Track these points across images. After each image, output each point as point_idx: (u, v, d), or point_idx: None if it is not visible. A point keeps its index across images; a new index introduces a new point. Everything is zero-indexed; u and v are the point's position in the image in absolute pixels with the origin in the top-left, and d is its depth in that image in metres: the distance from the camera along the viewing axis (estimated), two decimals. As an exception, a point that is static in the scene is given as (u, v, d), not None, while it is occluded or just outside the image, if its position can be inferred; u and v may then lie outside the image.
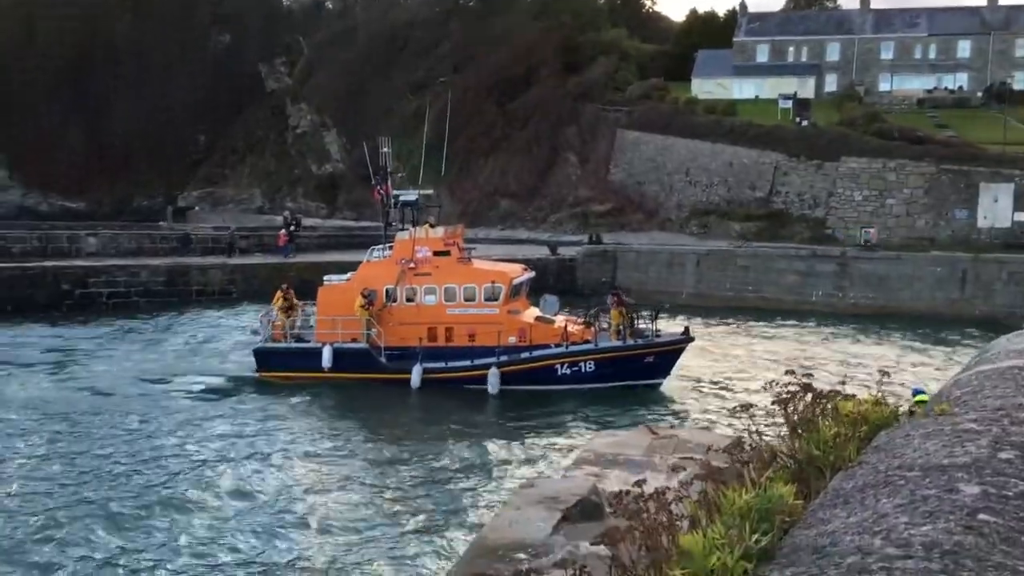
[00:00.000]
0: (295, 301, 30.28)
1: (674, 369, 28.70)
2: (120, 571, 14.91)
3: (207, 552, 15.64)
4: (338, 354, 28.50)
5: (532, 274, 31.32)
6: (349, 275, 30.54)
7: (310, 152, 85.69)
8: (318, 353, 28.56)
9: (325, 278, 31.12)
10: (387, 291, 29.18)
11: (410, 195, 31.27)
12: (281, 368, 29.12)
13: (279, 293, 30.18)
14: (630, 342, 28.06)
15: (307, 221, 63.35)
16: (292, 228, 53.68)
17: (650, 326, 28.63)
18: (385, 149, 31.94)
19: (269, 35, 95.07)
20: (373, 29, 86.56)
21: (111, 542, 15.98)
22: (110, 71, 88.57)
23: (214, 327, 38.17)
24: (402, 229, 30.39)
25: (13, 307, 38.58)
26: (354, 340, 28.72)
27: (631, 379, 27.53)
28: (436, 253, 29.26)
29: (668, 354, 28.32)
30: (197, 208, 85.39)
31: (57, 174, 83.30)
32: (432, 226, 30.37)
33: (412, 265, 29.08)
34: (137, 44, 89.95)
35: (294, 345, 29.65)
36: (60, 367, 30.48)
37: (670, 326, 31.61)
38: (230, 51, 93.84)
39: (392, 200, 31.16)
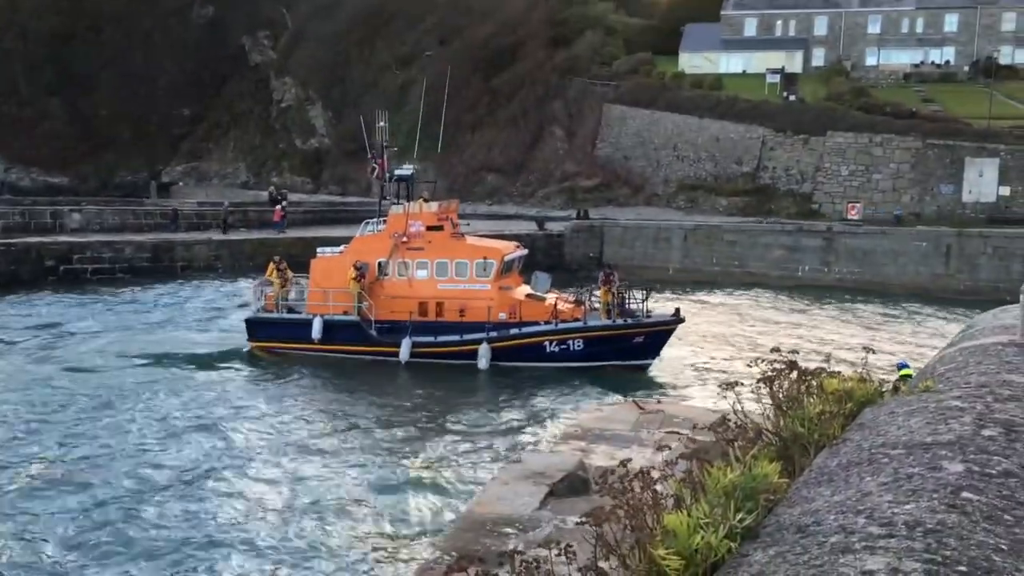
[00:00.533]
0: (289, 273, 30.27)
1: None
2: (95, 539, 14.92)
3: (176, 526, 15.65)
4: (328, 326, 28.58)
5: (525, 251, 31.24)
6: (343, 247, 30.53)
7: (295, 126, 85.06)
8: (309, 324, 28.66)
9: (318, 250, 31.17)
10: (380, 264, 29.22)
11: (405, 170, 31.24)
12: (271, 339, 29.28)
13: (272, 264, 30.25)
14: (619, 321, 27.85)
15: (292, 196, 62.97)
16: (280, 202, 53.58)
17: (641, 306, 28.38)
18: (381, 123, 31.75)
19: (252, 8, 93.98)
20: (357, 2, 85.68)
21: (91, 511, 15.98)
22: (93, 45, 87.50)
23: (201, 299, 38.12)
24: (396, 203, 30.33)
25: (-3, 283, 38.36)
26: (346, 313, 28.74)
27: (620, 359, 27.47)
28: (429, 228, 29.24)
29: (658, 335, 28.14)
30: (181, 183, 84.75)
31: (40, 149, 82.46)
32: (426, 200, 30.30)
33: (405, 239, 29.08)
34: (120, 18, 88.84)
35: (285, 316, 29.71)
36: (47, 340, 30.31)
37: (661, 305, 31.46)
38: (213, 24, 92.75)
39: (388, 175, 31.11)
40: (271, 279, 29.97)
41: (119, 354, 28.74)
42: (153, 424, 21.62)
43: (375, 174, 31.79)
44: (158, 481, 17.78)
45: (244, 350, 29.49)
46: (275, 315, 29.66)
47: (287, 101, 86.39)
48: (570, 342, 27.68)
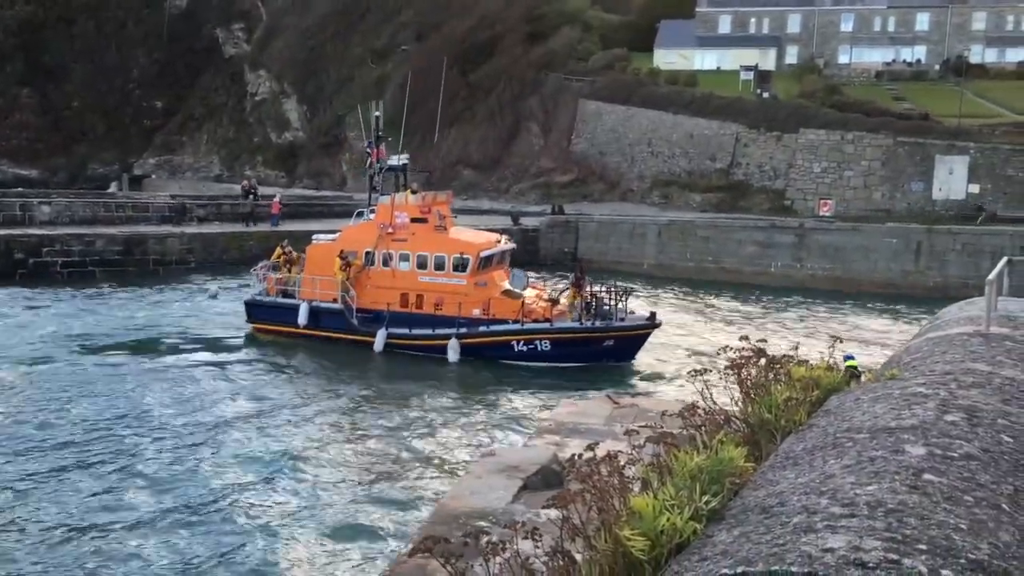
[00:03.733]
0: (295, 258, 31.29)
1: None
2: (77, 529, 14.80)
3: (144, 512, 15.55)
4: (314, 312, 29.64)
5: (510, 246, 31.07)
6: (336, 236, 31.30)
7: (269, 120, 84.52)
8: (297, 309, 29.68)
9: (314, 237, 32.09)
10: (366, 254, 29.72)
11: (397, 160, 31.55)
12: (264, 321, 30.58)
13: (279, 250, 31.49)
14: (589, 324, 27.35)
15: (266, 190, 62.54)
16: (252, 196, 53.18)
17: (617, 307, 27.84)
18: (377, 113, 32.19)
19: (226, 0, 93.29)
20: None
21: (78, 496, 15.84)
22: (64, 36, 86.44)
23: (173, 291, 37.90)
24: (383, 195, 30.86)
25: (-36, 276, 37.83)
26: (334, 300, 29.53)
27: (591, 361, 27.09)
28: (413, 219, 29.52)
29: (630, 339, 27.60)
30: (154, 176, 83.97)
31: (9, 141, 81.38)
32: (413, 192, 30.60)
33: (390, 230, 29.46)
34: (93, 8, 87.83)
35: (278, 300, 30.75)
36: (22, 329, 29.98)
37: (639, 305, 31.20)
38: (187, 16, 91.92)
39: (379, 165, 31.55)
40: (277, 262, 31.29)
41: (86, 346, 28.49)
42: (123, 413, 21.43)
43: (368, 163, 32.21)
44: (109, 466, 17.64)
45: (244, 333, 30.76)
46: (269, 299, 30.84)
47: (262, 94, 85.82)
48: (537, 343, 27.49)
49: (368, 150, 32.01)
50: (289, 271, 31.10)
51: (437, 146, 68.44)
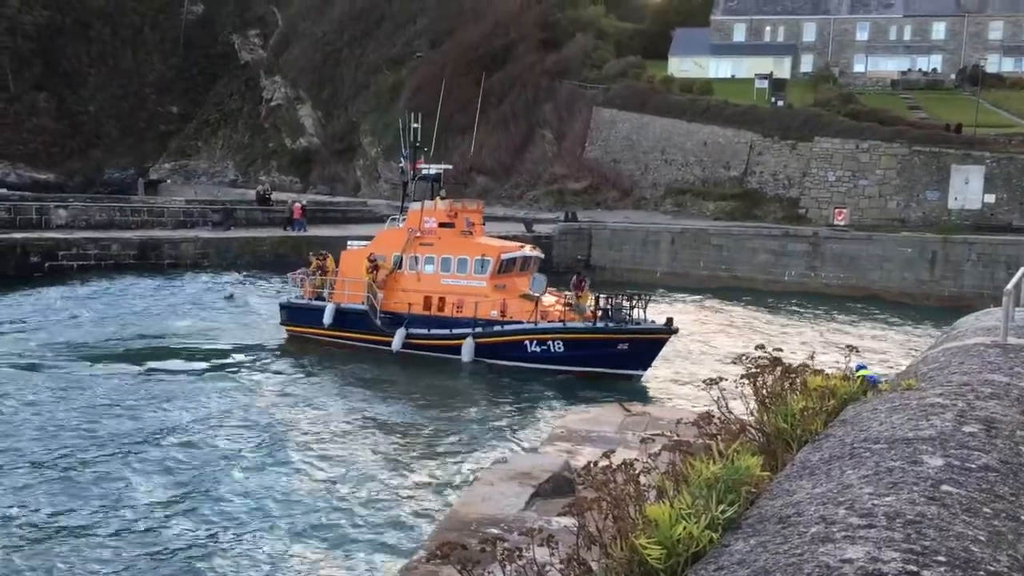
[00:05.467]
0: (331, 266, 32.29)
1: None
2: (90, 521, 14.85)
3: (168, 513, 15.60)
4: (340, 313, 30.42)
5: (535, 253, 31.18)
6: (368, 241, 32.47)
7: (284, 126, 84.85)
8: (322, 311, 30.61)
9: (348, 243, 33.17)
10: (395, 258, 30.52)
11: (431, 170, 32.16)
12: (294, 322, 31.77)
13: (316, 260, 32.53)
14: (601, 325, 27.08)
15: (280, 195, 62.82)
16: (268, 199, 53.61)
17: (631, 313, 27.40)
18: (415, 125, 32.83)
19: (242, 6, 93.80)
20: (349, 2, 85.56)
21: (92, 492, 15.91)
22: (82, 41, 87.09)
23: (188, 294, 38.17)
24: (415, 201, 31.65)
25: (-19, 279, 38.15)
26: (362, 302, 30.29)
27: (604, 366, 26.58)
28: (441, 224, 30.27)
29: (644, 344, 26.94)
30: (169, 181, 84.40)
31: (27, 145, 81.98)
32: (442, 198, 31.36)
33: (418, 234, 30.25)
34: (110, 14, 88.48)
35: (308, 302, 31.71)
36: (31, 330, 30.17)
37: (654, 313, 30.68)
38: (203, 22, 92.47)
39: (412, 174, 32.40)
40: (320, 268, 32.20)
41: (103, 349, 28.68)
42: (126, 414, 21.52)
43: (402, 172, 33.30)
44: (124, 467, 17.71)
45: (280, 336, 31.84)
46: (300, 301, 31.91)
47: (277, 100, 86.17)
48: (550, 343, 27.46)
49: (401, 159, 32.80)
50: (323, 276, 31.97)
51: (451, 152, 68.59)
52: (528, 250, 30.93)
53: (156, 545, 14.78)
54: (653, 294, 32.77)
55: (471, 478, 15.77)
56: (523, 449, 18.97)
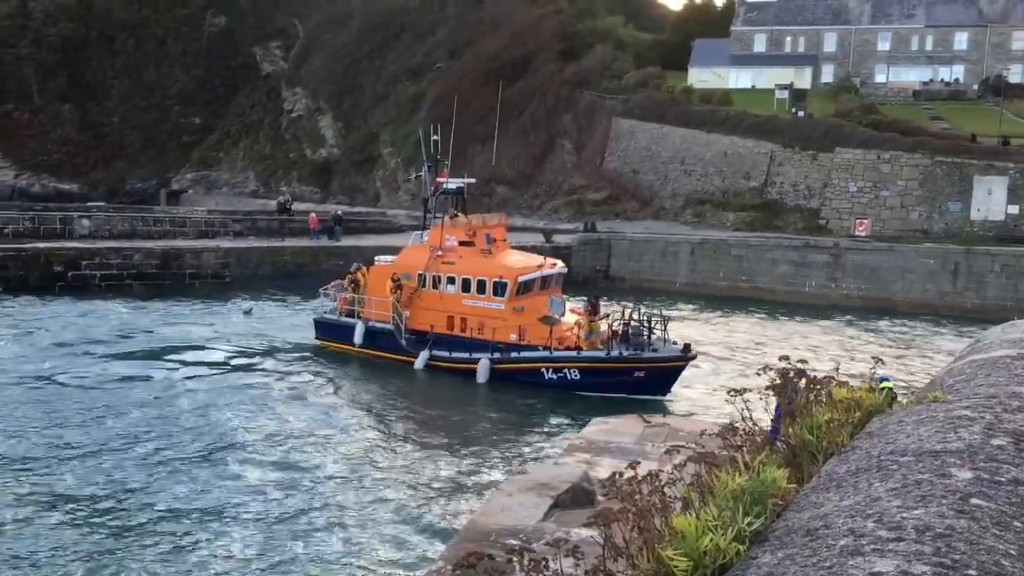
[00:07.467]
0: (363, 279, 32.16)
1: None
2: (109, 525, 14.94)
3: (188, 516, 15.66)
4: (369, 332, 30.49)
5: (555, 271, 30.42)
6: (394, 258, 32.11)
7: (305, 136, 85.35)
8: (355, 329, 30.66)
9: (376, 258, 32.75)
10: (419, 276, 30.16)
11: (453, 184, 31.82)
12: (327, 338, 31.94)
13: (349, 275, 32.56)
14: (616, 353, 26.46)
15: (300, 206, 63.18)
16: (289, 209, 54.15)
17: (652, 336, 26.83)
18: (435, 137, 32.66)
19: (264, 18, 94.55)
20: (369, 13, 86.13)
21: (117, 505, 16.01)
22: (105, 53, 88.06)
23: (207, 306, 38.42)
24: (436, 217, 31.40)
25: (4, 288, 38.54)
26: (389, 321, 30.22)
27: (623, 392, 25.95)
28: (461, 243, 29.80)
29: (662, 372, 26.43)
30: (191, 191, 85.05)
31: (51, 155, 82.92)
32: (452, 216, 30.85)
33: (440, 253, 29.77)
34: (133, 26, 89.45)
35: (340, 319, 31.73)
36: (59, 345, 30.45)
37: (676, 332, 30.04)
38: (225, 34, 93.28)
39: (432, 189, 32.11)
40: (353, 281, 32.03)
41: (150, 349, 29.20)
42: (151, 421, 21.65)
43: (427, 189, 32.82)
44: (151, 474, 17.80)
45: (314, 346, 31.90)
46: (332, 317, 31.93)
47: (297, 111, 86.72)
48: (566, 371, 27.02)
49: (421, 173, 32.49)
50: (355, 291, 31.76)
51: (471, 163, 68.75)
52: (548, 267, 30.13)
53: (181, 548, 14.86)
54: (672, 305, 32.55)
55: (490, 488, 15.75)
56: (542, 460, 18.93)
